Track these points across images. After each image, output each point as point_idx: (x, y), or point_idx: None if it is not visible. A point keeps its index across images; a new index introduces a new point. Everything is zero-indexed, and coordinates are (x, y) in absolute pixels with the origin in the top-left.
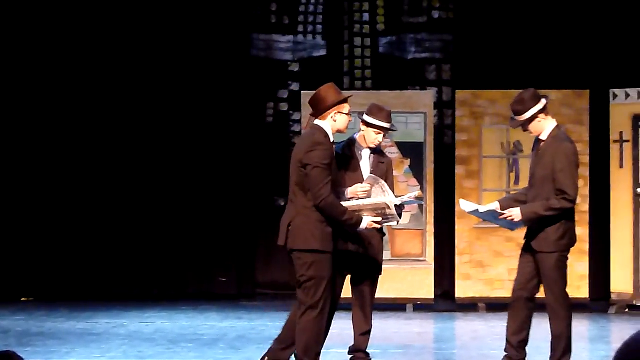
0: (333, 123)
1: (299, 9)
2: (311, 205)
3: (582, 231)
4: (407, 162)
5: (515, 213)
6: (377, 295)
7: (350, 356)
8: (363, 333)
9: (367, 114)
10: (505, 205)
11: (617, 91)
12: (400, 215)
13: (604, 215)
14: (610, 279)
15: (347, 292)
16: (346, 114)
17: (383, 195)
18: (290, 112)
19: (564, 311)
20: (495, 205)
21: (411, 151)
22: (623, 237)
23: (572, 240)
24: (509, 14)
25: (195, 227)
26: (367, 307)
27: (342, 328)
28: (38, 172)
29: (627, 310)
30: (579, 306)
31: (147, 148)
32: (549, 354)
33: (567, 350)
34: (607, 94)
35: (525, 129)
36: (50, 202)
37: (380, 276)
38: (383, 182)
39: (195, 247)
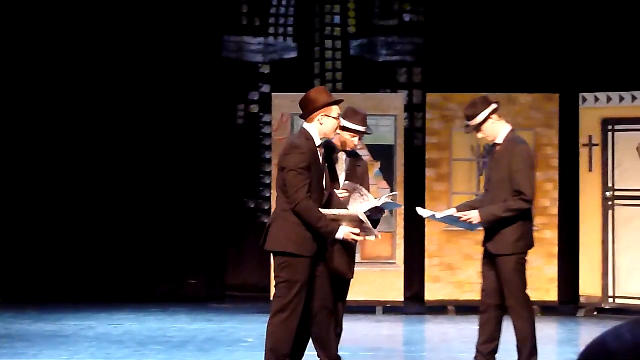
0: (320, 126)
1: (270, 11)
2: (289, 208)
3: (551, 234)
4: (378, 164)
5: (474, 216)
6: (347, 298)
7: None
8: None
9: (342, 118)
10: (462, 211)
11: (586, 95)
12: (378, 222)
13: (573, 219)
14: (579, 282)
15: None
16: (334, 118)
17: (362, 200)
18: (261, 114)
19: (526, 313)
20: (451, 212)
21: (381, 154)
22: (592, 240)
23: (530, 242)
24: (480, 18)
25: (165, 229)
26: (338, 310)
27: None
28: (1, 174)
29: (595, 313)
30: (548, 309)
31: (116, 149)
32: (516, 357)
33: (534, 351)
34: (576, 97)
35: (479, 131)
36: (16, 204)
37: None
38: (361, 187)
39: (164, 249)
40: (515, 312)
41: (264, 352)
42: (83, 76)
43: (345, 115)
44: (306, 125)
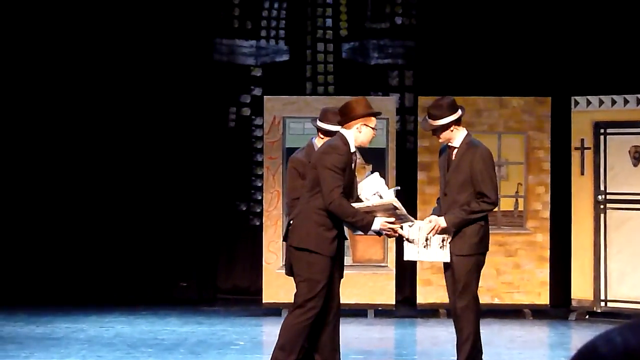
0: (357, 134)
1: (262, 14)
2: (313, 207)
3: (543, 238)
4: (369, 167)
5: (439, 222)
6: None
7: None
8: None
9: (320, 121)
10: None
11: (578, 98)
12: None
13: (564, 222)
14: (571, 286)
15: None
16: (372, 128)
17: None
18: (253, 117)
19: (474, 315)
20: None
21: (373, 157)
22: (583, 244)
23: (488, 243)
24: (472, 21)
25: (157, 231)
26: None
27: None
28: None
29: (587, 317)
30: (539, 312)
31: (108, 152)
32: (456, 357)
33: (472, 353)
34: (568, 101)
35: (435, 134)
36: (6, 207)
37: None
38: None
39: (156, 252)
40: (464, 312)
41: (273, 348)
42: (74, 80)
43: (324, 118)
44: (343, 131)
